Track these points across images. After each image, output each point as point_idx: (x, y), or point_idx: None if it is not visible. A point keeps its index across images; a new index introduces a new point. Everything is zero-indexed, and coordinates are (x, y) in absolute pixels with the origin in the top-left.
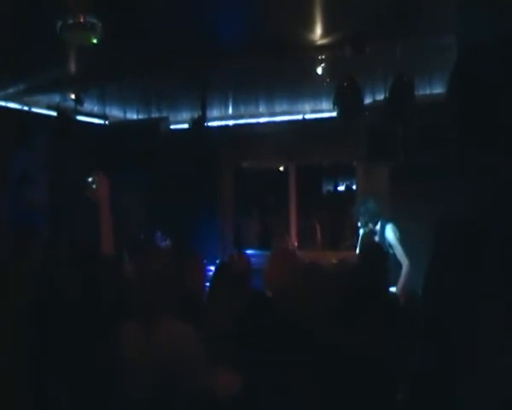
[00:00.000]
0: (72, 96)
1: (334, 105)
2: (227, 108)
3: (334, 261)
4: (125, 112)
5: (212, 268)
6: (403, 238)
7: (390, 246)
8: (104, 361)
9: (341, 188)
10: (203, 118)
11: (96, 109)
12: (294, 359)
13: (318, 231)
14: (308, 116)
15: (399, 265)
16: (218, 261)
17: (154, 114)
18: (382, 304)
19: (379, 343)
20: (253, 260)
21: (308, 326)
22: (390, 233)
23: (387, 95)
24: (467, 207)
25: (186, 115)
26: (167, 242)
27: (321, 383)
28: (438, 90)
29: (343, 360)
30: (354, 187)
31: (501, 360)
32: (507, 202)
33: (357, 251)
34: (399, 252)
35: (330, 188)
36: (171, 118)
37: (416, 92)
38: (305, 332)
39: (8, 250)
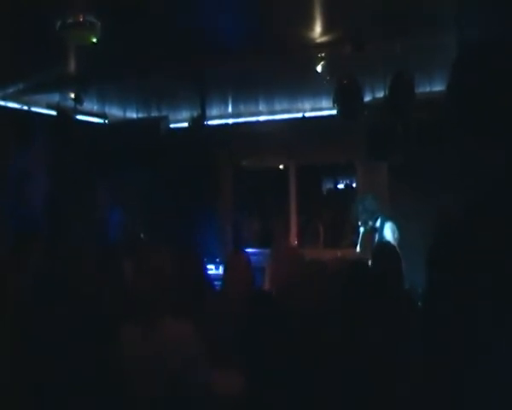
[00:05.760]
0: (72, 96)
1: (334, 103)
2: (226, 106)
3: (339, 254)
4: (124, 111)
5: (212, 267)
6: (402, 235)
7: None
8: (104, 362)
9: (341, 186)
10: (203, 117)
11: (95, 108)
12: (296, 356)
13: (319, 230)
14: (308, 114)
15: None
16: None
17: (154, 113)
18: (392, 302)
19: (383, 341)
20: (252, 258)
21: (310, 323)
22: (388, 232)
23: (387, 92)
24: (466, 205)
25: (186, 114)
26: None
27: (324, 381)
28: (438, 87)
29: (347, 357)
30: (354, 185)
31: (500, 356)
32: (506, 201)
33: (358, 249)
34: None
35: (330, 186)
36: (171, 117)
37: (415, 90)
38: (307, 329)
39: (7, 251)
